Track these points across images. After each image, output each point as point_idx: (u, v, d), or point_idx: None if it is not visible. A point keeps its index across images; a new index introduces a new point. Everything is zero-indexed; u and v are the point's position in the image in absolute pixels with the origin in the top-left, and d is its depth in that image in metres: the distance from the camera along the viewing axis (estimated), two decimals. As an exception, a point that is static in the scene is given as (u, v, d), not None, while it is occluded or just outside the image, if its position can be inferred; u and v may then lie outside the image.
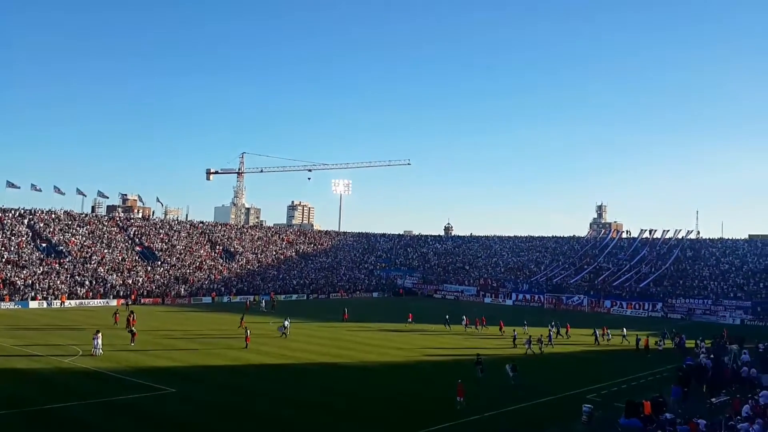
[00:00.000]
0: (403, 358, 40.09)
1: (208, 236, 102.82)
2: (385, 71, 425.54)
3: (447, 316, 57.76)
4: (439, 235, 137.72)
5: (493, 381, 32.65)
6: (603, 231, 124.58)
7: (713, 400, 26.43)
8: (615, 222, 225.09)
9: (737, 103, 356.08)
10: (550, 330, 50.14)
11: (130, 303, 65.30)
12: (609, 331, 52.36)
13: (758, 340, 47.33)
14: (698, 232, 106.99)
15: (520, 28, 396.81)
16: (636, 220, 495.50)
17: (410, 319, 57.59)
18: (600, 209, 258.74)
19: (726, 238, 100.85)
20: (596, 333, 50.89)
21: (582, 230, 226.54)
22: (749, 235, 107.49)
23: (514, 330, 49.57)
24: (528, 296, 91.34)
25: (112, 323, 50.08)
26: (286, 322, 48.34)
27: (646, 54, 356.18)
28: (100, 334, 37.73)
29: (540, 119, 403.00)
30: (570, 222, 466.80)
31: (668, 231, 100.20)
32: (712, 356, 37.25)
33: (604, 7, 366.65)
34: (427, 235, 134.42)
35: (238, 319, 53.49)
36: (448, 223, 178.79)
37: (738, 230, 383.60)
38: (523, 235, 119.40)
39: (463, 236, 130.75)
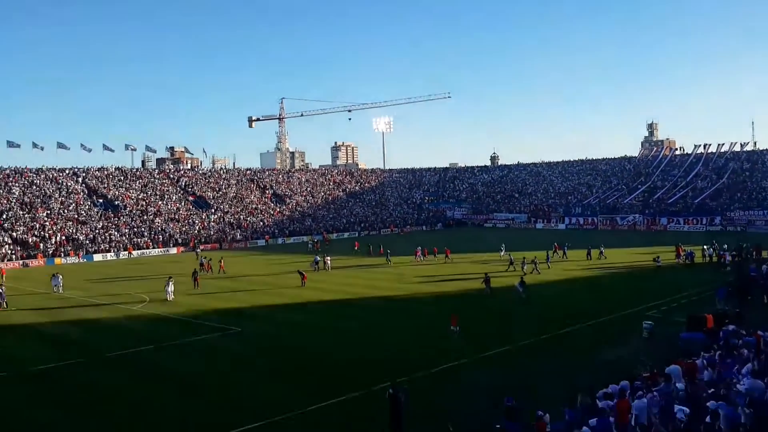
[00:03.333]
0: (453, 288, 40.39)
1: (257, 182, 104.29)
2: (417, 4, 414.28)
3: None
4: (485, 166, 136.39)
5: (534, 309, 32.81)
6: (655, 149, 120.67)
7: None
8: (667, 139, 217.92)
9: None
10: (550, 251, 51.87)
11: (200, 250, 66.78)
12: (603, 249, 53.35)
13: None
14: (755, 143, 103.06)
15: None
16: (689, 135, 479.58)
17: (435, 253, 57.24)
18: (651, 127, 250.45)
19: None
20: (590, 250, 53.06)
21: (633, 150, 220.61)
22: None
23: (510, 254, 50.43)
24: (581, 220, 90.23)
25: (205, 273, 50.29)
26: (317, 258, 52.14)
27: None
28: (172, 281, 39.30)
29: (584, 38, 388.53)
30: (620, 143, 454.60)
31: (723, 144, 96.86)
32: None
33: None
34: (473, 167, 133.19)
35: (294, 260, 54.57)
36: (494, 153, 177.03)
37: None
38: (572, 159, 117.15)
39: (510, 165, 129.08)
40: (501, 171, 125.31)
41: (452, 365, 22.72)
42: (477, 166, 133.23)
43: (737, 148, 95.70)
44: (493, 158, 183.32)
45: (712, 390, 13.96)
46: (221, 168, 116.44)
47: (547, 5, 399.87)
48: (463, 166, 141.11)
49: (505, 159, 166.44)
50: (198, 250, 66.61)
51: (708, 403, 12.21)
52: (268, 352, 25.60)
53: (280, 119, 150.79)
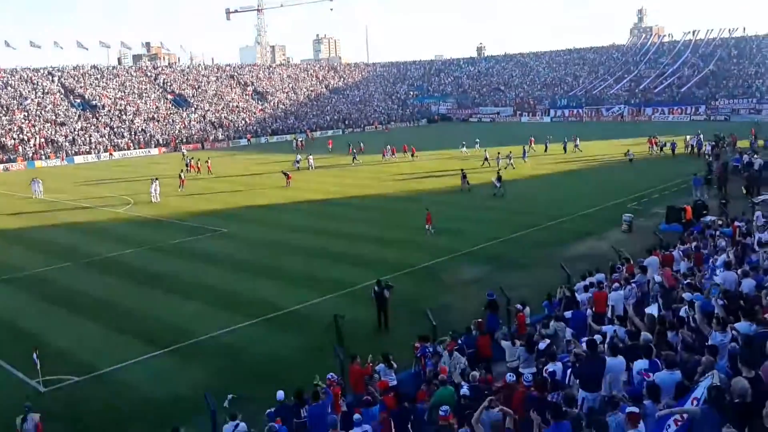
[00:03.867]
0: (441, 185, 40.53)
1: (237, 78, 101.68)
2: None
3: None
4: (471, 57, 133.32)
5: (512, 205, 33.11)
6: (643, 36, 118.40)
7: (755, 199, 26.35)
8: (656, 26, 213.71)
9: None
10: (527, 145, 51.71)
11: (185, 151, 65.66)
12: (579, 141, 53.67)
13: None
14: (744, 29, 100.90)
15: None
16: (680, 21, 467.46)
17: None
18: (640, 12, 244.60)
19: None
20: (565, 143, 53.05)
21: (622, 38, 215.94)
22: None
23: (485, 150, 49.20)
24: (566, 112, 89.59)
25: (191, 173, 50.09)
26: (299, 157, 51.86)
27: None
28: (157, 182, 39.09)
29: None
30: (609, 30, 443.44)
31: (712, 30, 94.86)
32: (755, 155, 36.60)
33: None
34: (459, 59, 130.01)
35: (278, 160, 54.21)
36: (481, 44, 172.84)
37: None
38: (559, 49, 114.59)
39: (497, 56, 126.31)
40: (487, 63, 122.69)
41: (436, 262, 23.20)
42: (463, 58, 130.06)
43: (726, 35, 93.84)
44: (480, 49, 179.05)
45: (688, 281, 14.35)
46: (200, 64, 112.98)
47: None
48: (448, 58, 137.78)
49: (492, 50, 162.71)
50: (184, 151, 65.80)
51: (683, 294, 12.57)
52: (255, 252, 25.88)
53: (259, 11, 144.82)
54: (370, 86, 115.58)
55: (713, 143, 44.81)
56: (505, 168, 42.89)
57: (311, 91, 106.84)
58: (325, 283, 21.12)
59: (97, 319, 18.90)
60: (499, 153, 46.21)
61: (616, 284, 15.05)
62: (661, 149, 48.82)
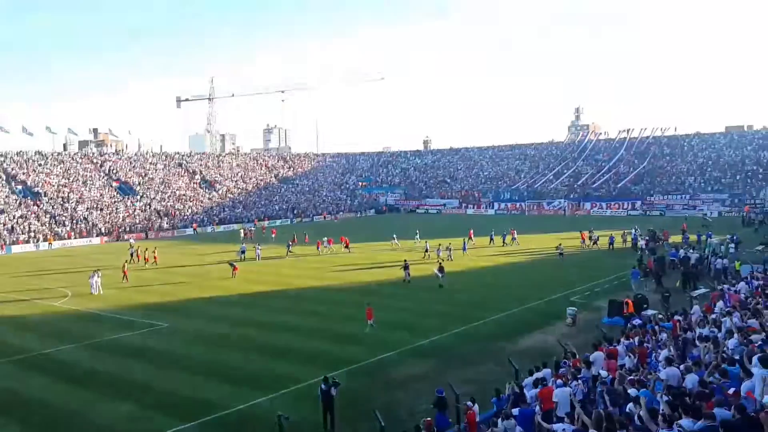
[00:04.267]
0: (391, 276, 40.56)
1: (185, 167, 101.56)
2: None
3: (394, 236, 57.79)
4: (418, 150, 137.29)
5: (463, 297, 33.37)
6: (581, 134, 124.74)
7: (692, 293, 27.24)
8: (593, 123, 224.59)
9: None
10: (466, 239, 52.04)
11: (133, 240, 64.36)
12: (516, 234, 54.96)
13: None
14: (675, 128, 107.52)
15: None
16: (613, 120, 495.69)
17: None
18: (578, 111, 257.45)
19: (703, 132, 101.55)
20: (504, 236, 54.39)
21: (561, 134, 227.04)
22: (726, 128, 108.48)
23: (426, 241, 50.35)
24: (509, 204, 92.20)
25: (137, 263, 49.60)
26: (244, 246, 51.85)
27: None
28: (98, 274, 37.88)
29: (512, 21, 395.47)
30: (548, 127, 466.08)
31: (645, 129, 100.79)
32: (691, 249, 38.17)
33: None
34: (406, 151, 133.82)
35: (224, 249, 53.61)
36: (427, 137, 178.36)
37: (715, 123, 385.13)
38: (502, 144, 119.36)
39: (443, 149, 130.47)
40: (433, 155, 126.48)
41: (382, 357, 22.86)
42: (410, 151, 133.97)
43: (658, 133, 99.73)
44: (426, 142, 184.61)
45: (632, 377, 14.49)
46: (148, 152, 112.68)
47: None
48: (396, 150, 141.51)
49: (438, 143, 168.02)
50: (131, 240, 64.47)
51: (629, 390, 12.67)
52: (196, 349, 24.99)
53: (210, 100, 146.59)
54: (319, 176, 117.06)
55: (647, 238, 46.69)
56: (445, 260, 43.07)
57: (260, 180, 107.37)
58: (268, 381, 20.46)
59: (23, 422, 17.71)
60: (440, 244, 47.01)
61: (560, 380, 15.08)
62: (594, 243, 50.20)
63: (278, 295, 35.76)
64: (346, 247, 53.61)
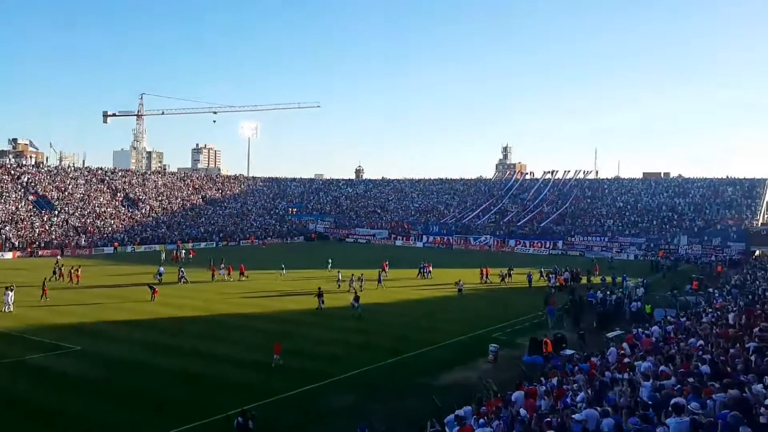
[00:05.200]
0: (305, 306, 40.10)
1: (108, 183, 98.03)
2: (291, 12, 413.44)
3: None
4: (350, 179, 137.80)
5: (384, 329, 33.28)
6: (508, 172, 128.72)
7: (608, 335, 28.09)
8: (519, 163, 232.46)
9: (633, 44, 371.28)
10: (380, 270, 51.64)
11: (59, 257, 61.60)
12: (431, 268, 55.47)
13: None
14: (596, 172, 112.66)
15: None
16: (539, 160, 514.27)
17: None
18: (505, 150, 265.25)
19: (622, 177, 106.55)
20: (421, 269, 54.78)
21: (489, 171, 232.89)
22: (643, 174, 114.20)
23: (338, 271, 50.09)
24: (438, 238, 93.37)
25: (62, 281, 47.92)
26: (162, 269, 50.05)
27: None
28: (12, 291, 35.86)
29: (446, 60, 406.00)
30: (478, 163, 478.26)
31: (569, 171, 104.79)
32: (608, 292, 39.54)
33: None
34: (338, 179, 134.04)
35: (144, 270, 51.77)
36: (359, 166, 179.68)
37: (633, 169, 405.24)
38: (432, 178, 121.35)
39: (375, 180, 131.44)
40: (365, 185, 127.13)
41: (303, 390, 22.41)
42: (342, 179, 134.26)
43: (581, 176, 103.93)
44: (358, 171, 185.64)
45: (548, 419, 14.68)
46: (69, 165, 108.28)
47: (410, 30, 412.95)
48: (328, 178, 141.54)
49: (370, 173, 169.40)
50: (58, 257, 61.60)
51: None
52: (107, 374, 23.82)
53: (138, 116, 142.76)
54: (248, 200, 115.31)
55: (567, 276, 48.20)
56: (358, 290, 42.63)
57: (186, 200, 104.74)
58: (180, 411, 19.66)
59: None
60: (352, 275, 46.80)
61: (482, 419, 15.13)
62: (503, 279, 51.25)
63: (198, 321, 34.67)
64: (241, 274, 52.02)
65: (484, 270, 52.77)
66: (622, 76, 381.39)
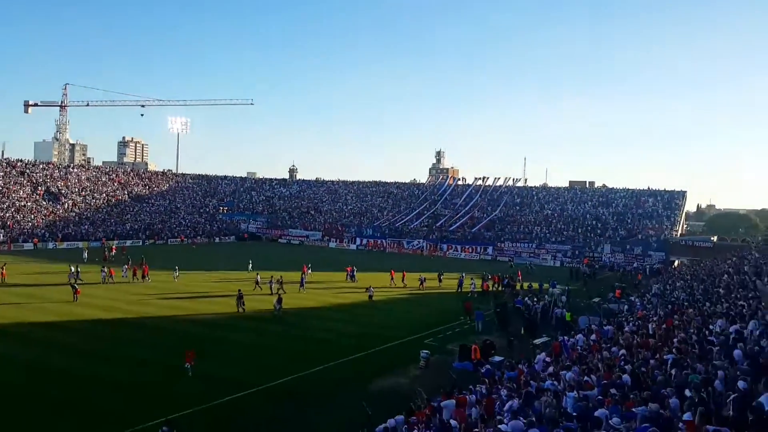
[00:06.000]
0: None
1: (29, 176, 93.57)
2: (225, 6, 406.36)
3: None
4: (284, 179, 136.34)
5: (313, 334, 33.07)
6: (441, 177, 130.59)
7: (535, 341, 28.83)
8: (452, 167, 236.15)
9: (558, 56, 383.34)
10: (303, 272, 50.87)
11: None
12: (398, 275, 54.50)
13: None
14: (525, 180, 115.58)
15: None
16: (471, 166, 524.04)
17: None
18: (439, 155, 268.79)
19: (550, 185, 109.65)
20: (351, 273, 54.44)
21: (423, 175, 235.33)
22: (569, 182, 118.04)
23: (257, 273, 49.38)
24: (371, 241, 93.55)
25: None
26: (73, 268, 47.68)
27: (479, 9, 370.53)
28: None
29: (382, 63, 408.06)
30: (412, 166, 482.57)
31: (499, 179, 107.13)
32: (535, 298, 40.54)
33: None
34: (272, 179, 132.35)
35: (66, 268, 49.68)
36: (293, 166, 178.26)
37: (560, 177, 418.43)
38: (367, 180, 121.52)
39: (309, 180, 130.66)
40: (299, 186, 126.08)
41: (230, 398, 21.98)
42: (276, 179, 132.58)
43: (510, 183, 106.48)
44: (292, 170, 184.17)
45: (476, 430, 14.90)
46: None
47: (345, 31, 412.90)
48: (261, 177, 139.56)
49: (304, 173, 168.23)
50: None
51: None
52: (23, 380, 22.74)
53: (62, 107, 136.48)
54: (177, 197, 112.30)
55: (505, 282, 49.19)
56: (277, 291, 42.52)
57: (111, 196, 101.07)
58: (101, 420, 18.97)
59: None
60: (272, 276, 46.24)
61: (414, 429, 15.22)
62: (421, 283, 51.63)
63: (118, 323, 33.54)
64: (144, 276, 49.76)
65: (402, 274, 53.27)
66: (550, 86, 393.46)
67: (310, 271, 53.68)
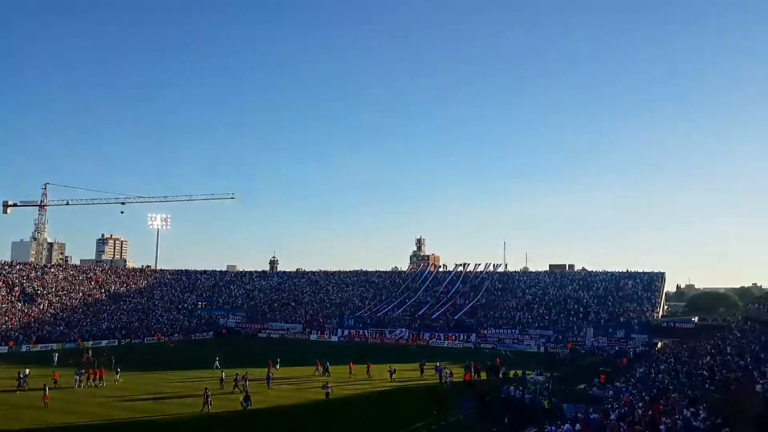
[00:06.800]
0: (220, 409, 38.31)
1: (4, 277, 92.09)
2: (203, 100, 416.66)
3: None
4: (264, 271, 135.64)
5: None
6: (422, 264, 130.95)
7: (522, 433, 28.16)
8: (433, 254, 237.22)
9: (531, 139, 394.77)
10: (269, 369, 50.23)
11: None
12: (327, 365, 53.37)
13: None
14: (506, 265, 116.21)
15: (329, 60, 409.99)
16: (452, 252, 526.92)
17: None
18: (419, 242, 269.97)
19: (530, 270, 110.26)
20: (325, 365, 53.16)
21: (404, 262, 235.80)
22: (550, 266, 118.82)
23: (222, 371, 48.81)
24: (353, 331, 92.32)
25: None
26: (26, 372, 46.13)
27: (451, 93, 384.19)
28: None
29: (357, 152, 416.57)
30: (393, 254, 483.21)
31: (480, 264, 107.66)
32: (520, 388, 39.86)
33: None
34: (251, 271, 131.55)
35: (39, 373, 48.06)
36: (274, 257, 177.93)
37: (540, 261, 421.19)
38: (348, 270, 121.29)
39: (289, 272, 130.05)
40: (279, 278, 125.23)
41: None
42: (255, 271, 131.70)
43: (491, 269, 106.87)
44: (273, 262, 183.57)
45: None
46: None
47: (322, 120, 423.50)
48: (241, 270, 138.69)
49: (285, 265, 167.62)
50: None
51: None
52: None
53: (41, 206, 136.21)
54: (155, 293, 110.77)
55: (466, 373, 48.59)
56: (242, 390, 41.44)
57: (88, 295, 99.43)
58: None
59: None
60: (237, 374, 45.25)
61: None
62: (391, 375, 50.54)
63: (83, 429, 32.27)
64: (100, 378, 47.49)
65: (367, 366, 53.08)
66: (523, 174, 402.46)
67: (278, 367, 53.26)
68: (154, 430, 31.96)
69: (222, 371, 48.12)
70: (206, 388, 38.23)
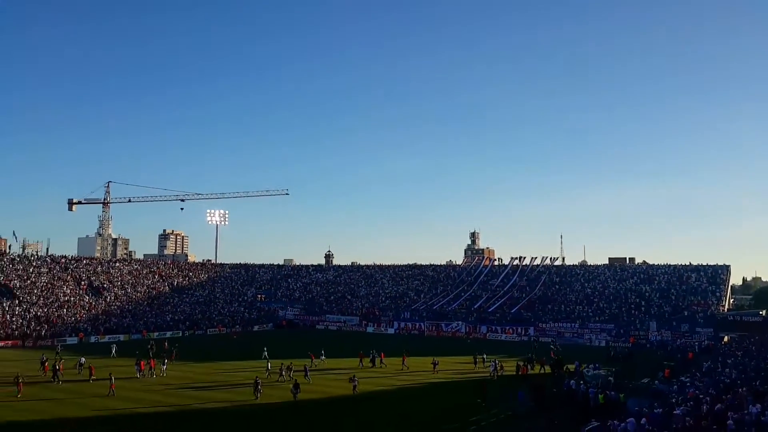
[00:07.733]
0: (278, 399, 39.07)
1: (72, 272, 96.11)
2: (258, 101, 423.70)
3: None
4: (320, 265, 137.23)
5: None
6: (477, 258, 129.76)
7: (584, 429, 27.66)
8: (487, 248, 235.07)
9: (589, 134, 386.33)
10: (311, 360, 51.20)
11: (60, 348, 60.66)
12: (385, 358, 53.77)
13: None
14: (563, 258, 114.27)
15: (385, 64, 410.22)
16: (506, 245, 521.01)
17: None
18: (473, 236, 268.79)
19: (588, 263, 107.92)
20: (373, 356, 53.80)
21: (458, 256, 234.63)
22: (609, 259, 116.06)
23: (268, 361, 49.56)
24: (410, 324, 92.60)
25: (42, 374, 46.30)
26: (82, 359, 48.44)
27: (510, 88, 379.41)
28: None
29: (412, 146, 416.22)
30: (447, 248, 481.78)
31: (536, 258, 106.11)
32: (581, 381, 39.17)
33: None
34: (308, 265, 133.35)
35: (109, 363, 49.95)
36: (329, 251, 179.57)
37: (599, 254, 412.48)
38: (402, 264, 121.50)
39: (345, 265, 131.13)
40: (335, 271, 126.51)
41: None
42: (312, 265, 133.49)
43: (548, 262, 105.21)
44: (328, 256, 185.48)
45: None
46: (32, 254, 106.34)
47: (375, 117, 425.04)
48: (297, 263, 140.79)
49: (340, 258, 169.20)
50: (59, 348, 60.48)
51: None
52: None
53: (105, 204, 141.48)
54: (216, 287, 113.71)
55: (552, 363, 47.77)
56: (287, 380, 42.55)
57: (152, 288, 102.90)
58: None
59: None
60: (282, 363, 46.39)
61: None
62: (434, 366, 49.97)
63: (148, 417, 33.39)
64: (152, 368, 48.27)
65: (361, 355, 53.63)
66: (580, 168, 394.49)
67: (323, 358, 54.28)
68: (206, 417, 32.87)
69: (268, 361, 49.60)
70: (257, 377, 39.93)
